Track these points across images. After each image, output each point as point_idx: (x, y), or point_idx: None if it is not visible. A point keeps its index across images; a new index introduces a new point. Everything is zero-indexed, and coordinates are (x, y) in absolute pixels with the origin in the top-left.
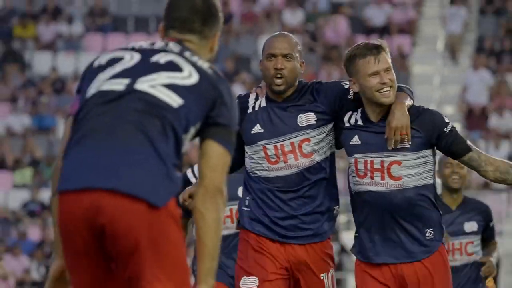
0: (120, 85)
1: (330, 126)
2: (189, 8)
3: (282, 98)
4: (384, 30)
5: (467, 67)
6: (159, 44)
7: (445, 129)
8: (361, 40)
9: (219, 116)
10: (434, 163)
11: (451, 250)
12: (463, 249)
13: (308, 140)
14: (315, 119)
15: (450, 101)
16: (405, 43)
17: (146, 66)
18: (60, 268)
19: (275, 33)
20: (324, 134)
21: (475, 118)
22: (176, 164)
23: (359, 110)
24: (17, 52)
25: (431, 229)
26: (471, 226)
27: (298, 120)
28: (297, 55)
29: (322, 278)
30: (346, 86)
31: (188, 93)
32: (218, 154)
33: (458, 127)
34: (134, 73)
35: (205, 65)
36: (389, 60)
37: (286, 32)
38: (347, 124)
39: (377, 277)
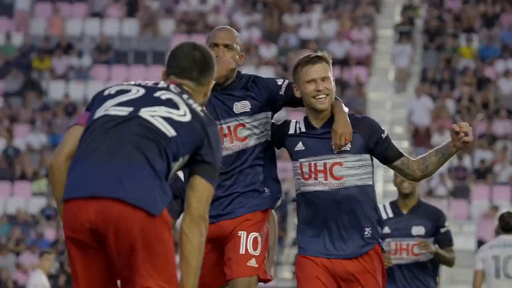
0: (124, 112)
1: (264, 115)
2: (190, 60)
3: (221, 87)
4: (344, 62)
5: (413, 94)
6: (162, 84)
7: (382, 135)
8: None
9: (206, 155)
10: (373, 167)
11: (399, 249)
12: (409, 250)
13: (242, 125)
14: (250, 107)
15: (399, 122)
16: (362, 74)
17: (149, 99)
18: None
19: (219, 26)
20: (258, 122)
21: (420, 136)
22: (166, 181)
23: (303, 118)
24: (35, 81)
25: (370, 228)
26: (418, 230)
27: (234, 107)
28: (238, 47)
29: (239, 234)
30: (279, 83)
31: (181, 128)
32: (204, 188)
33: (406, 144)
34: (138, 103)
35: (198, 108)
36: (329, 71)
37: (228, 26)
38: (291, 131)
39: (317, 270)
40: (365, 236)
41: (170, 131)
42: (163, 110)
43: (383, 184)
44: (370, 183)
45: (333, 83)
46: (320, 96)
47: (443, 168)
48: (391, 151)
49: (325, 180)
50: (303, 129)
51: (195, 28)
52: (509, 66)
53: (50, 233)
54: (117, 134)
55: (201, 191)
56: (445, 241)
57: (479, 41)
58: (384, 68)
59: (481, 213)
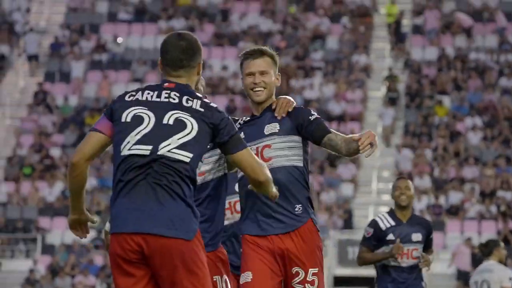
0: (146, 151)
1: (218, 151)
2: (178, 50)
3: None
4: (341, 118)
5: (398, 145)
6: (164, 95)
7: (309, 118)
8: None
9: (224, 135)
10: (305, 151)
11: (400, 254)
12: (409, 254)
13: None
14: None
15: (386, 167)
16: (355, 128)
17: (161, 131)
18: (73, 218)
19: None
20: (214, 157)
21: None
22: (192, 197)
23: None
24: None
25: (300, 205)
26: (417, 236)
27: None
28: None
29: (214, 279)
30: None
31: (194, 145)
32: (243, 157)
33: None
34: (154, 139)
35: (198, 104)
36: (270, 66)
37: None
38: (238, 125)
39: (259, 247)
40: (296, 212)
41: (187, 156)
42: (175, 140)
43: (374, 207)
44: (300, 164)
45: (273, 78)
46: (257, 89)
47: (423, 205)
48: (318, 130)
49: None
50: (246, 119)
51: (218, 90)
52: (476, 122)
53: (98, 259)
54: (146, 176)
55: (246, 160)
56: (430, 245)
57: (451, 101)
58: (373, 123)
59: (456, 244)
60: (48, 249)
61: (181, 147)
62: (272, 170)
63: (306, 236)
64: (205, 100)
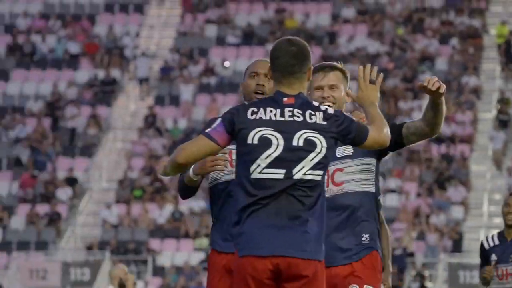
0: (279, 175)
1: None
2: (289, 57)
3: None
4: (450, 140)
5: (509, 168)
6: (287, 113)
7: None
8: (434, 148)
9: (351, 134)
10: (377, 177)
11: (505, 274)
12: None
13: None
14: None
15: (498, 190)
16: (465, 150)
17: (292, 153)
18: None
19: (256, 59)
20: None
21: None
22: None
23: None
24: None
25: (368, 235)
26: None
27: None
28: None
29: None
30: None
31: (324, 161)
32: (373, 139)
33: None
34: (286, 163)
35: (321, 117)
36: (340, 81)
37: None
38: None
39: None
40: (363, 241)
41: (319, 175)
42: (308, 161)
43: (485, 230)
44: (372, 190)
45: (343, 93)
46: (326, 104)
47: None
48: (393, 128)
49: (326, 187)
50: None
51: None
52: None
53: None
54: (279, 199)
55: (374, 143)
56: None
57: None
58: (484, 145)
59: None
60: (158, 270)
61: (314, 167)
62: (343, 195)
63: (367, 262)
64: (323, 108)
